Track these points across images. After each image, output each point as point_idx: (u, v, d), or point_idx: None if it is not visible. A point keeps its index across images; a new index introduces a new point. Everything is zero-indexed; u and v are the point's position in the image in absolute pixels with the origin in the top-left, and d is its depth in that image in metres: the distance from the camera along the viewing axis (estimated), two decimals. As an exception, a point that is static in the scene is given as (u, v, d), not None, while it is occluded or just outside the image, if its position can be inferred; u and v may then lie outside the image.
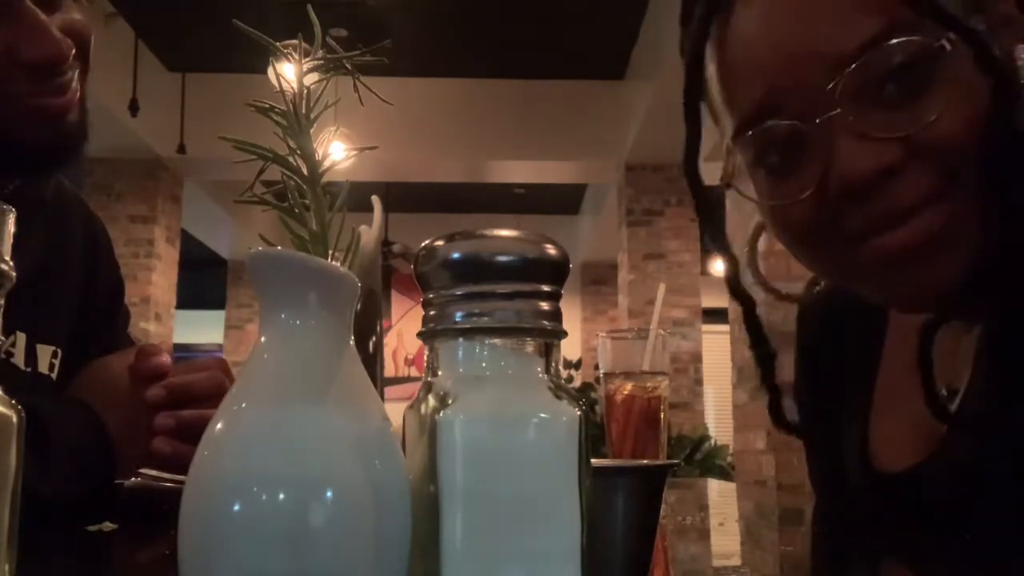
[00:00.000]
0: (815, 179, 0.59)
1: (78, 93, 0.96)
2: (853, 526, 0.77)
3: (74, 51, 0.93)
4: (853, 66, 0.56)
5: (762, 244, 0.81)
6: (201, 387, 0.93)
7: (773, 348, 0.76)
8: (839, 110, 0.56)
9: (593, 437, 0.40)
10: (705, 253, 6.82)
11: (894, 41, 0.55)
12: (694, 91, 0.66)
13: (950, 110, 0.56)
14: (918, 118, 0.56)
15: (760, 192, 0.65)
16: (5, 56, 0.89)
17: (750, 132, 0.61)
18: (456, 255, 0.39)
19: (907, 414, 0.70)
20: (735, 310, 4.35)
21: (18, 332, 0.99)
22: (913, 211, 0.57)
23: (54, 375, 1.04)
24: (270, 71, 0.54)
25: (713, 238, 0.72)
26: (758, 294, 0.77)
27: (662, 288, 1.15)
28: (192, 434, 0.86)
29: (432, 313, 0.40)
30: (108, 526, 0.76)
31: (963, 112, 0.56)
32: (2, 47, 0.88)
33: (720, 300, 5.02)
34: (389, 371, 8.78)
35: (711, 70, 0.65)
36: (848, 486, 0.76)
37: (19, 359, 0.99)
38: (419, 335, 0.40)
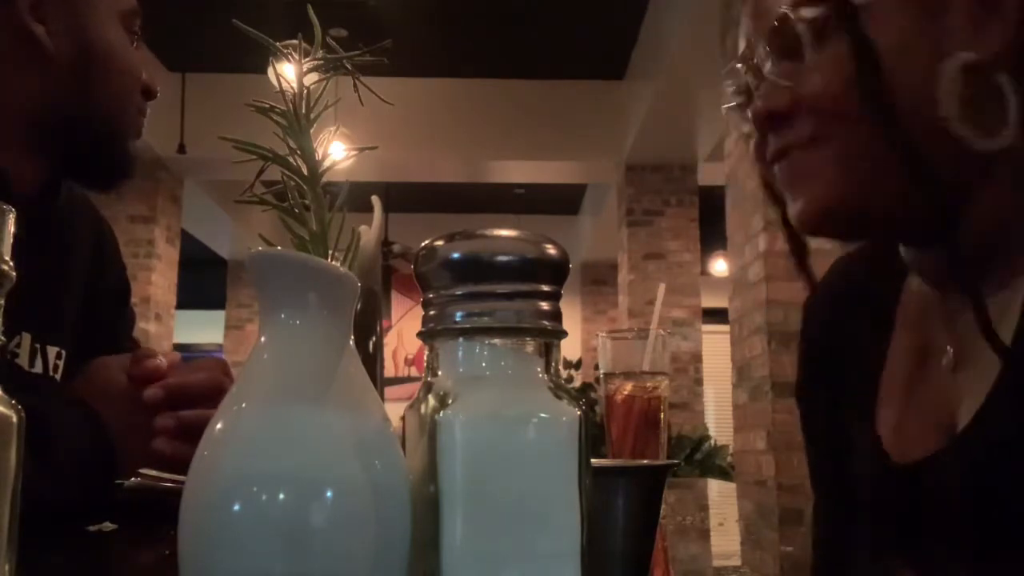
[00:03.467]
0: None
1: None
2: (856, 521, 0.76)
3: None
4: (774, 24, 0.68)
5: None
6: (199, 387, 0.93)
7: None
8: (768, 62, 0.69)
9: (593, 437, 0.40)
10: (705, 253, 6.82)
11: (802, 10, 0.66)
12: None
13: (819, 68, 0.66)
14: (799, 73, 0.67)
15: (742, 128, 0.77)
16: (138, 71, 1.07)
17: (724, 70, 0.76)
18: (456, 255, 0.39)
19: (917, 404, 0.71)
20: (735, 310, 4.35)
21: (23, 333, 0.99)
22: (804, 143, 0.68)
23: (58, 376, 1.04)
24: (270, 71, 0.54)
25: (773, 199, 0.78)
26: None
27: (662, 288, 1.15)
28: (192, 434, 0.86)
29: (432, 313, 0.40)
30: (108, 526, 0.76)
31: (835, 75, 0.65)
32: (138, 69, 1.07)
33: (720, 300, 5.02)
34: (389, 371, 8.78)
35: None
36: (854, 479, 0.76)
37: (24, 359, 0.99)
38: (419, 335, 0.40)
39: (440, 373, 0.40)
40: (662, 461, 0.92)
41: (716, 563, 0.85)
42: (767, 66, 0.69)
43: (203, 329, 10.42)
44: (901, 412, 0.73)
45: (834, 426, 0.80)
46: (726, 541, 0.99)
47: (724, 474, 5.28)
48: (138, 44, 1.08)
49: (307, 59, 0.49)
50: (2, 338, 0.38)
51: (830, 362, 0.84)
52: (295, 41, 0.57)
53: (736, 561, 0.84)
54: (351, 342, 0.42)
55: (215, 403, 0.40)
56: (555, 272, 0.40)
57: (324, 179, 0.47)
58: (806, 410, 0.88)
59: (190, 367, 0.99)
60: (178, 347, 8.78)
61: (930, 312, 0.74)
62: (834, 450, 0.80)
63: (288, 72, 0.48)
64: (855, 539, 0.77)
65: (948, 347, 0.70)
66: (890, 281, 0.80)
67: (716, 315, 6.71)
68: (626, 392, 0.98)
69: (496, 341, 0.39)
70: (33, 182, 1.02)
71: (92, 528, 0.76)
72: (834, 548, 0.80)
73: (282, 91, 0.47)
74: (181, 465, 0.79)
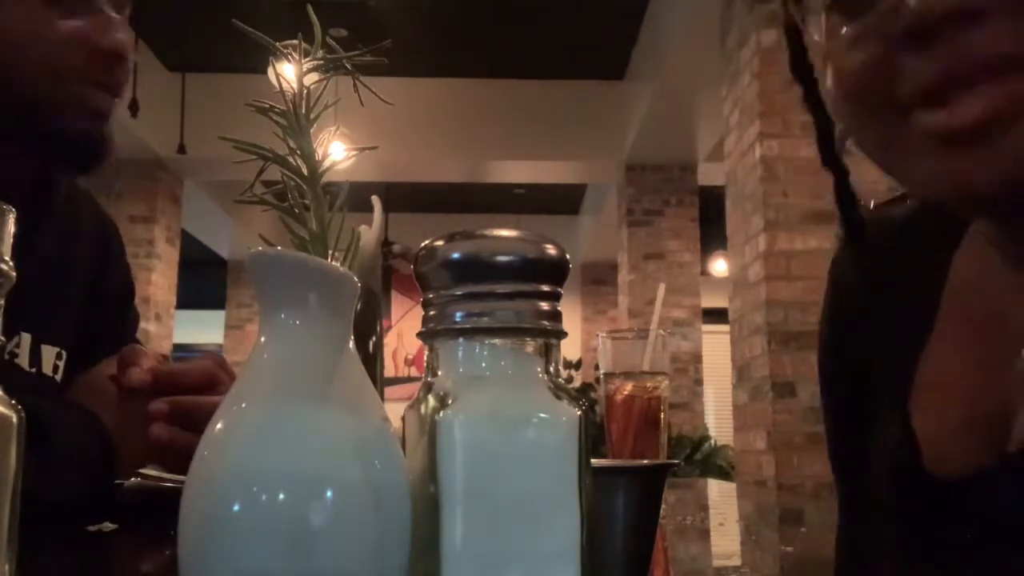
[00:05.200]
0: (883, 18, 0.48)
1: (118, 100, 1.00)
2: (879, 520, 0.69)
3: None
4: None
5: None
6: (189, 374, 0.92)
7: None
8: None
9: (593, 437, 0.40)
10: (705, 253, 6.82)
11: None
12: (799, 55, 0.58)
13: None
14: None
15: (831, 44, 0.54)
16: (78, 42, 0.94)
17: None
18: (456, 255, 0.39)
19: (961, 409, 0.61)
20: (735, 310, 4.35)
21: (23, 332, 0.99)
22: (987, 72, 0.45)
23: (58, 376, 1.04)
24: (270, 71, 0.54)
25: (807, 97, 0.61)
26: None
27: (662, 288, 1.15)
28: (188, 420, 0.86)
29: (432, 313, 0.40)
30: (108, 526, 0.76)
31: None
32: (79, 33, 0.94)
33: (720, 300, 5.02)
34: (389, 371, 8.78)
35: None
36: (878, 472, 0.67)
37: (23, 359, 0.99)
38: (419, 335, 0.40)
39: (440, 373, 0.40)
40: (662, 461, 0.92)
41: (716, 563, 0.85)
42: None
43: (203, 329, 10.43)
44: (944, 411, 0.63)
45: (858, 402, 0.71)
46: (726, 541, 0.99)
47: (724, 474, 5.28)
48: (92, 12, 0.95)
49: (307, 59, 0.49)
50: (2, 338, 0.38)
51: (859, 336, 0.72)
52: (295, 41, 0.57)
53: (736, 561, 0.84)
54: (351, 342, 0.42)
55: (207, 391, 0.40)
56: (555, 272, 0.40)
57: (324, 179, 0.47)
58: (829, 379, 0.76)
59: (184, 361, 0.98)
60: (178, 347, 8.78)
61: (1004, 303, 0.60)
62: (855, 431, 0.71)
63: (288, 72, 0.48)
64: (878, 540, 0.69)
65: None
66: (939, 253, 0.66)
67: (716, 315, 6.72)
68: (626, 392, 0.98)
69: (496, 341, 0.39)
70: (18, 181, 1.00)
71: (92, 528, 0.76)
72: (855, 544, 0.72)
73: (282, 91, 0.47)
74: (181, 453, 0.79)
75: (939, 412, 0.63)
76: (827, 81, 0.56)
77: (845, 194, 0.62)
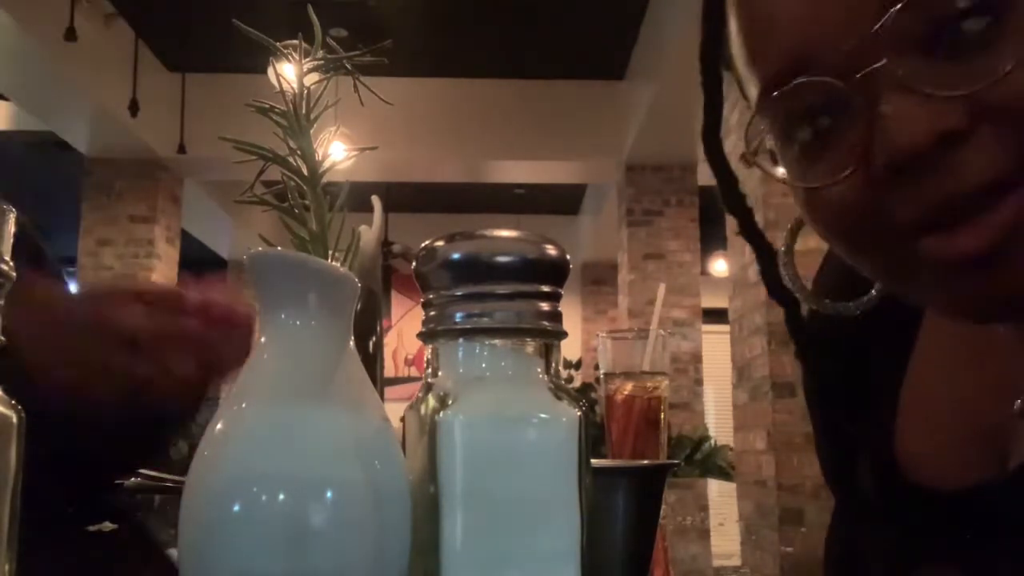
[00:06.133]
0: (858, 152, 0.46)
1: None
2: (869, 531, 0.68)
3: None
4: (901, 3, 0.43)
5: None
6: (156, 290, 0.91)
7: (822, 360, 0.65)
8: (885, 60, 0.44)
9: (593, 437, 0.40)
10: (705, 253, 6.81)
11: None
12: (711, 48, 0.54)
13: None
14: (987, 70, 0.43)
15: (792, 172, 0.52)
16: None
17: (776, 93, 0.48)
18: (456, 255, 0.39)
19: (955, 422, 0.60)
20: (735, 310, 4.35)
21: None
22: (984, 196, 0.44)
23: None
24: (270, 71, 0.54)
25: (744, 228, 0.58)
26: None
27: (662, 288, 1.15)
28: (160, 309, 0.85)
29: (432, 313, 0.40)
30: (108, 526, 0.76)
31: None
32: None
33: (720, 300, 5.02)
34: (389, 371, 8.78)
35: (732, 25, 0.53)
36: (865, 483, 0.67)
37: None
38: (419, 335, 0.40)
39: (440, 373, 0.40)
40: (662, 461, 0.92)
41: (716, 563, 0.85)
42: (891, 70, 0.44)
43: (203, 329, 10.40)
44: (933, 429, 0.62)
45: (844, 420, 0.71)
46: (726, 541, 0.99)
47: (724, 474, 5.28)
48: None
49: (307, 59, 0.49)
50: (2, 339, 0.38)
51: (841, 362, 0.71)
52: (295, 41, 0.57)
53: (736, 561, 0.84)
54: (351, 342, 0.42)
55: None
56: (555, 272, 0.40)
57: (324, 179, 0.47)
58: (813, 398, 0.75)
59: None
60: (178, 347, 8.74)
61: (991, 341, 0.58)
62: (838, 437, 0.71)
63: (288, 72, 0.48)
64: (868, 549, 0.68)
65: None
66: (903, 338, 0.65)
67: (716, 315, 6.71)
68: (626, 392, 0.98)
69: (496, 342, 0.39)
70: None
71: (92, 528, 0.76)
72: (846, 551, 0.71)
73: (282, 91, 0.47)
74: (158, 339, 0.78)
75: (924, 433, 0.62)
76: (798, 208, 0.54)
77: (796, 324, 0.60)
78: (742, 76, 0.53)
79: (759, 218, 0.60)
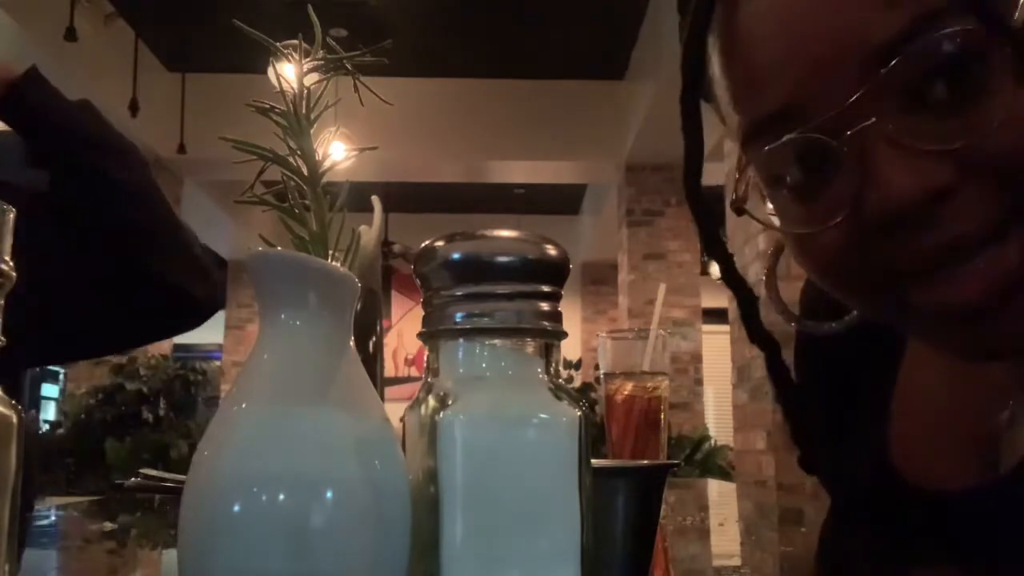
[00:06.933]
0: (848, 201, 0.47)
1: None
2: (858, 532, 0.70)
3: None
4: (893, 62, 0.44)
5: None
6: None
7: (803, 402, 0.65)
8: (875, 119, 0.45)
9: (593, 437, 0.40)
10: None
11: (947, 30, 0.43)
12: (693, 92, 0.53)
13: (1015, 116, 0.44)
14: (974, 125, 0.44)
15: (782, 217, 0.53)
16: None
17: (765, 149, 0.49)
18: (456, 255, 0.39)
19: (946, 428, 0.61)
20: (735, 310, 4.33)
21: None
22: (974, 247, 0.46)
23: None
24: (270, 71, 0.54)
25: (725, 274, 0.58)
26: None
27: (662, 288, 1.15)
28: None
29: (432, 314, 0.40)
30: (108, 526, 0.76)
31: None
32: None
33: (720, 300, 5.03)
34: (389, 371, 8.78)
35: (714, 66, 0.53)
36: (854, 484, 0.69)
37: None
38: (419, 335, 0.40)
39: (440, 373, 0.40)
40: (662, 461, 0.92)
41: (716, 563, 0.85)
42: (880, 127, 0.45)
43: (203, 329, 10.32)
44: (928, 435, 0.63)
45: (833, 418, 0.73)
46: (726, 541, 0.99)
47: (724, 474, 5.28)
48: None
49: (307, 59, 0.49)
50: (2, 339, 0.38)
51: (832, 373, 0.74)
52: (295, 41, 0.57)
53: (736, 561, 0.84)
54: (351, 342, 0.42)
55: None
56: (555, 272, 0.40)
57: (324, 179, 0.47)
58: (803, 388, 0.75)
59: None
60: (178, 347, 8.78)
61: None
62: (828, 438, 0.73)
63: (288, 72, 0.48)
64: (858, 550, 0.70)
65: (1010, 402, 0.57)
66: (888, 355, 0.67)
67: (716, 315, 6.71)
68: (626, 392, 0.98)
69: (496, 342, 0.39)
70: None
71: (92, 527, 0.76)
72: (835, 552, 0.73)
73: (282, 91, 0.47)
74: None
75: (919, 438, 0.63)
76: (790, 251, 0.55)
77: (777, 369, 0.61)
78: (726, 115, 0.54)
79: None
